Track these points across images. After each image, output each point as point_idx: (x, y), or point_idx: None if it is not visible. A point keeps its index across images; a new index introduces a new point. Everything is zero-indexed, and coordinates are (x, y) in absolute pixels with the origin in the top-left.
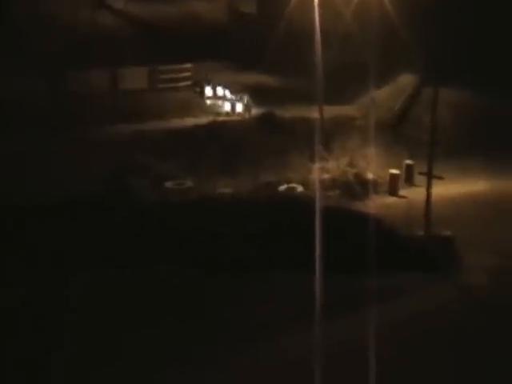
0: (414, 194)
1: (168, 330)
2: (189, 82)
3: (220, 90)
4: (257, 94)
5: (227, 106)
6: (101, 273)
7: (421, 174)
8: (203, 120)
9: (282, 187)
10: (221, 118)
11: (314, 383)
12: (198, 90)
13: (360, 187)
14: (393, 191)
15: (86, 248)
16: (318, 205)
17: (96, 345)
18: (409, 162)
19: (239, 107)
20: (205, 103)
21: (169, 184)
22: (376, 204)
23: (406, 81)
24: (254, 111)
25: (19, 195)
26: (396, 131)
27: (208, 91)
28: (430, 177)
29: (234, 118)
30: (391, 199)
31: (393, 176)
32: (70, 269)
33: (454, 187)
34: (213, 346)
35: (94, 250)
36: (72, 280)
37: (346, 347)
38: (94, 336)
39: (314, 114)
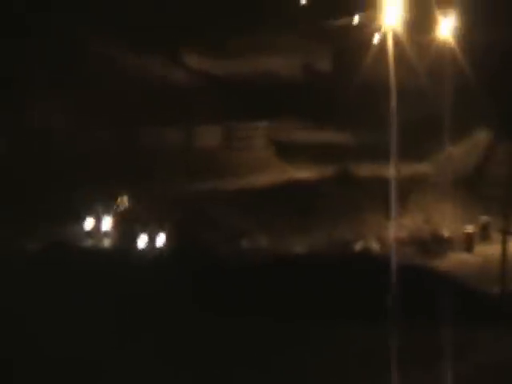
0: (490, 250)
1: None
2: (263, 141)
3: None
4: (331, 152)
5: None
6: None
7: (497, 230)
8: (274, 178)
9: (359, 244)
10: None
11: None
12: None
13: (436, 244)
14: (468, 248)
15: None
16: (394, 262)
17: None
18: (484, 218)
19: None
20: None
21: (243, 241)
22: (452, 261)
23: (481, 137)
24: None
25: None
26: (471, 188)
27: None
28: (505, 233)
29: None
30: (467, 256)
31: (467, 234)
32: None
33: None
34: None
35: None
36: None
37: None
38: None
39: (388, 171)
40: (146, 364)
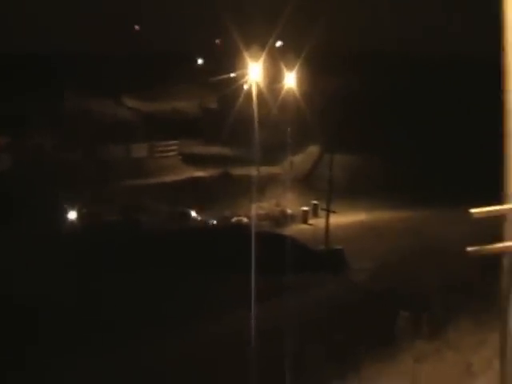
0: (318, 222)
1: None
2: (175, 153)
3: None
4: (217, 159)
5: None
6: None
7: (322, 209)
8: (182, 177)
9: (234, 219)
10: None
11: None
12: None
13: (283, 219)
14: (304, 221)
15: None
16: (255, 230)
17: None
18: (315, 202)
19: None
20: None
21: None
22: (293, 229)
23: (313, 150)
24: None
25: None
26: (306, 182)
27: None
28: (328, 211)
29: None
30: (303, 226)
31: (304, 211)
32: None
33: (344, 218)
34: None
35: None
36: None
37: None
38: None
39: (252, 172)
40: None
